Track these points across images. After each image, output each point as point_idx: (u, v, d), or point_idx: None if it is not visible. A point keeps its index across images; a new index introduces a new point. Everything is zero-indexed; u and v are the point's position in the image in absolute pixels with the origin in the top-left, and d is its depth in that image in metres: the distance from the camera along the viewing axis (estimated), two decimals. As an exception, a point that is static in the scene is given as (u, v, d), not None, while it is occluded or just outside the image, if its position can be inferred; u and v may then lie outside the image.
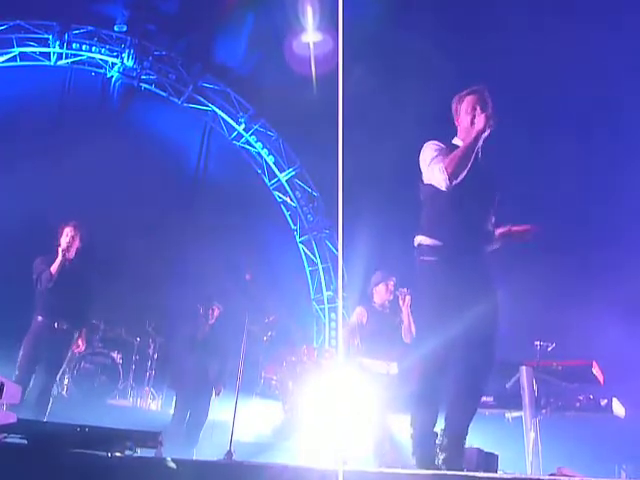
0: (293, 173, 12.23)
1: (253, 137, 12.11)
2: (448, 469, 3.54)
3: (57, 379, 6.71)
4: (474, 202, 3.80)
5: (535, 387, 5.27)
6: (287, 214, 12.55)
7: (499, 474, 4.15)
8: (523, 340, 5.67)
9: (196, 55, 11.46)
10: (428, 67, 8.57)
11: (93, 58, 11.04)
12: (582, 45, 7.80)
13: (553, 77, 8.28)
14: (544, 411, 5.29)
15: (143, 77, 11.31)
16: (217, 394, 7.40)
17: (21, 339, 6.10)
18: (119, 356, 8.77)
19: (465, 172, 3.67)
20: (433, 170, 3.74)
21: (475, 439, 3.93)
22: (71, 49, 10.79)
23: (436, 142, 3.89)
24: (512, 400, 5.41)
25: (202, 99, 11.79)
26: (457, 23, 8.79)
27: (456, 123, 3.99)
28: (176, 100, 11.67)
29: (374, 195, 9.21)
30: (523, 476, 4.27)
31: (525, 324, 6.54)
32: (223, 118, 11.98)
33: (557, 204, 8.26)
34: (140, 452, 3.31)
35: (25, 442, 3.19)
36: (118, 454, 3.06)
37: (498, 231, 3.98)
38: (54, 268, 6.13)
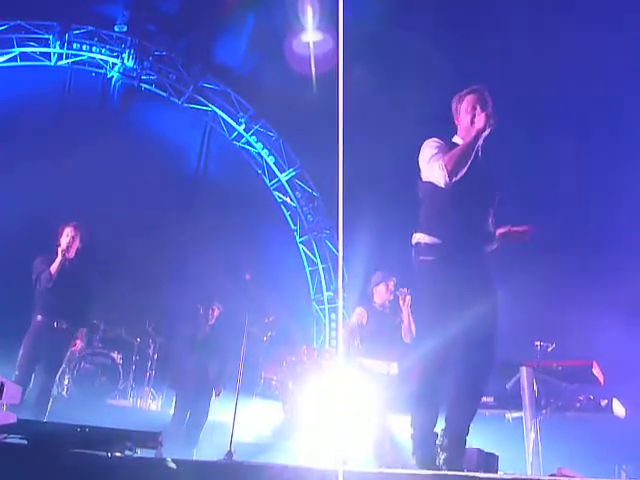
0: (293, 173, 12.23)
1: (253, 137, 12.11)
2: (449, 469, 3.54)
3: (57, 379, 6.72)
4: (473, 201, 3.80)
5: (535, 387, 5.27)
6: (287, 214, 12.55)
7: (499, 474, 4.15)
8: (523, 340, 5.67)
9: (196, 55, 11.46)
10: (428, 67, 8.57)
11: (93, 58, 11.04)
12: (582, 45, 7.81)
13: (553, 77, 8.28)
14: (544, 411, 5.29)
15: (143, 77, 11.31)
16: (217, 394, 7.40)
17: (21, 339, 6.11)
18: (119, 356, 8.78)
19: (465, 170, 3.67)
20: (432, 167, 3.73)
21: (475, 439, 3.92)
22: (71, 49, 10.79)
23: (436, 139, 3.89)
24: (512, 400, 5.41)
25: (202, 99, 11.79)
26: (457, 23, 8.79)
27: (456, 122, 3.99)
28: (176, 100, 11.67)
29: (374, 195, 9.21)
30: (523, 476, 4.27)
31: (525, 324, 6.54)
32: (223, 118, 11.98)
33: (557, 204, 8.26)
34: (140, 452, 3.30)
35: (25, 442, 3.19)
36: (118, 454, 3.06)
37: (498, 231, 3.98)
38: (54, 268, 6.14)
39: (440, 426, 3.72)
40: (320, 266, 12.36)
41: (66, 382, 8.36)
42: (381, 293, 6.45)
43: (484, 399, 4.90)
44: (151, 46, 11.24)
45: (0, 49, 10.30)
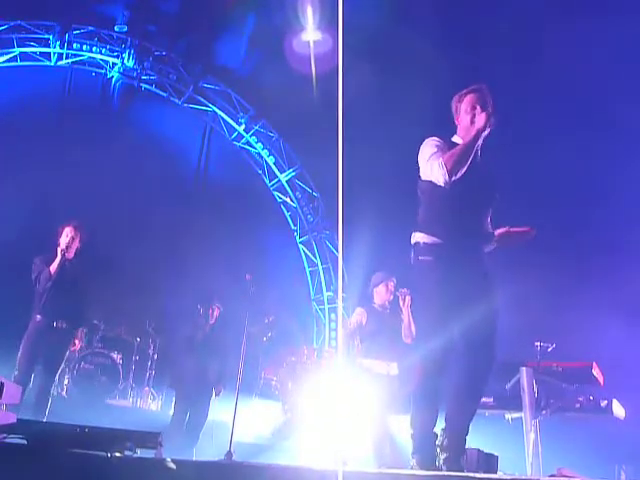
0: (293, 174, 12.23)
1: (253, 138, 12.11)
2: (449, 469, 3.54)
3: (56, 379, 6.71)
4: (473, 201, 3.79)
5: (535, 388, 5.27)
6: (287, 214, 12.55)
7: (499, 475, 4.15)
8: (523, 341, 5.67)
9: (196, 55, 11.46)
10: (429, 67, 8.57)
11: (93, 58, 11.04)
12: (582, 45, 7.81)
13: (553, 77, 8.28)
14: (544, 412, 5.28)
15: (143, 77, 11.31)
16: (217, 394, 7.40)
17: (20, 339, 6.11)
18: (119, 356, 8.78)
19: (464, 169, 3.67)
20: (432, 165, 3.72)
21: (475, 440, 3.92)
22: (71, 49, 10.79)
23: (436, 138, 3.88)
24: (512, 401, 5.41)
25: (202, 99, 11.79)
26: (457, 22, 8.79)
27: (456, 122, 3.99)
28: (176, 100, 11.67)
29: (374, 195, 9.20)
30: (523, 477, 4.27)
31: (525, 325, 6.54)
32: (223, 119, 11.98)
33: (557, 205, 8.26)
34: (140, 452, 3.30)
35: (24, 442, 3.19)
36: (118, 454, 3.05)
37: (497, 232, 3.98)
38: (53, 268, 6.14)
39: (440, 426, 3.72)
40: (320, 266, 12.36)
41: (66, 382, 8.37)
42: (381, 293, 6.45)
43: (484, 399, 4.90)
44: (151, 46, 11.24)
45: (0, 49, 10.30)
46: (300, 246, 12.52)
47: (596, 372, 5.32)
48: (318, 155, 9.29)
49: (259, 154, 12.25)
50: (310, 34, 10.29)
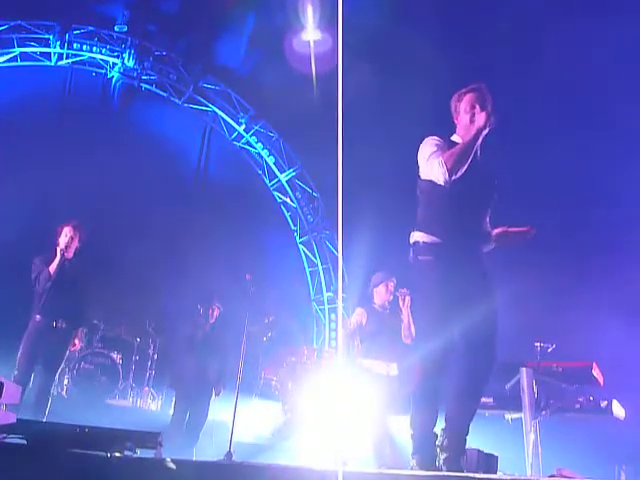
0: (293, 174, 12.23)
1: (253, 138, 12.11)
2: (449, 469, 3.54)
3: (56, 379, 6.71)
4: (472, 200, 3.79)
5: (535, 388, 5.27)
6: (287, 215, 12.55)
7: (499, 475, 4.15)
8: (523, 341, 5.67)
9: (197, 55, 11.47)
10: (429, 66, 8.57)
11: (94, 58, 11.04)
12: (582, 45, 7.81)
13: (553, 77, 8.28)
14: (544, 412, 5.28)
15: (144, 77, 11.31)
16: (217, 394, 7.40)
17: (20, 339, 6.11)
18: (119, 356, 8.78)
19: (464, 168, 3.66)
20: (432, 164, 3.72)
21: (475, 440, 3.92)
22: (72, 49, 10.79)
23: (436, 137, 3.88)
24: (512, 401, 5.41)
25: (203, 99, 11.79)
26: (457, 22, 8.79)
27: (455, 121, 3.98)
28: (176, 100, 11.68)
29: (374, 195, 9.20)
30: (523, 477, 4.27)
31: (525, 325, 6.54)
32: (223, 119, 11.98)
33: (557, 205, 8.26)
34: (140, 453, 3.30)
35: (24, 442, 3.19)
36: (117, 454, 3.06)
37: (495, 231, 3.98)
38: (52, 268, 6.14)
39: (440, 426, 3.72)
40: (320, 266, 12.36)
41: (66, 382, 8.37)
42: (381, 294, 6.44)
43: (484, 400, 4.90)
44: (151, 46, 11.24)
45: (0, 49, 10.30)
46: (300, 246, 12.52)
47: (596, 372, 5.32)
48: (318, 155, 9.29)
49: (259, 154, 12.25)
50: (310, 34, 10.29)
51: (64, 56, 10.80)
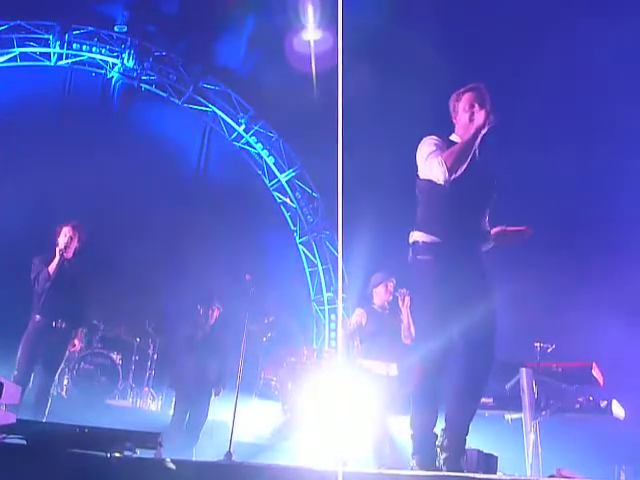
0: (293, 174, 12.23)
1: (253, 138, 12.11)
2: (448, 470, 3.54)
3: (56, 379, 6.71)
4: (471, 200, 3.79)
5: (535, 388, 5.26)
6: (287, 215, 12.55)
7: (498, 475, 4.15)
8: (523, 341, 5.67)
9: (196, 56, 11.47)
10: (429, 67, 8.57)
11: (93, 58, 11.05)
12: (582, 45, 7.82)
13: (553, 77, 8.29)
14: (544, 412, 5.28)
15: (143, 77, 11.32)
16: (217, 394, 7.39)
17: (20, 339, 6.10)
18: (119, 357, 8.78)
19: (464, 167, 3.67)
20: (431, 163, 3.72)
21: (475, 440, 3.92)
22: (71, 49, 10.80)
23: (434, 137, 3.88)
24: (512, 401, 5.41)
25: (202, 100, 11.80)
26: (458, 23, 8.79)
27: (454, 120, 3.98)
28: (176, 101, 11.68)
29: (374, 196, 9.21)
30: (522, 477, 4.27)
31: (525, 325, 6.54)
32: (223, 119, 11.99)
33: (557, 206, 8.26)
34: (139, 453, 3.31)
35: (24, 442, 3.19)
36: (117, 455, 3.06)
37: (493, 230, 3.98)
38: (52, 268, 6.14)
39: (440, 426, 3.72)
40: (320, 267, 12.36)
41: (65, 382, 8.37)
42: (380, 294, 6.44)
43: (483, 400, 4.90)
44: (151, 46, 11.25)
45: (0, 49, 10.30)
46: (300, 246, 12.52)
47: (596, 372, 5.32)
48: (318, 155, 9.30)
49: (259, 154, 12.25)
50: (310, 33, 10.29)
51: (64, 56, 10.80)
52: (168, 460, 2.78)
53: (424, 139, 3.89)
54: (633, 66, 7.74)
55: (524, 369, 5.30)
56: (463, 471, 3.58)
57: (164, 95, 11.63)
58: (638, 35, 7.40)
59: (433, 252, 3.73)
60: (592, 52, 7.80)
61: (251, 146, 12.21)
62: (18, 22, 10.29)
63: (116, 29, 10.96)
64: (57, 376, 6.64)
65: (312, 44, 10.27)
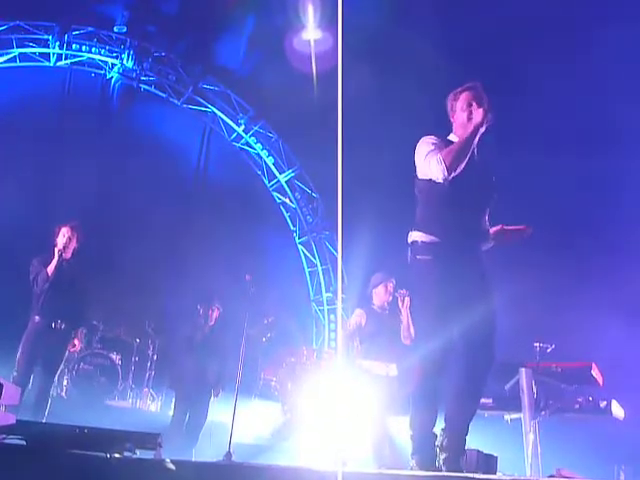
0: (293, 174, 12.23)
1: (253, 138, 12.11)
2: (448, 469, 3.54)
3: (56, 379, 6.71)
4: (470, 199, 3.78)
5: (534, 389, 5.27)
6: (287, 215, 12.55)
7: (498, 476, 4.15)
8: (522, 342, 5.67)
9: (196, 56, 11.47)
10: (429, 67, 8.57)
11: (93, 59, 11.04)
12: (582, 44, 7.82)
13: (553, 77, 8.29)
14: (543, 413, 5.28)
15: (143, 78, 11.31)
16: (216, 395, 7.39)
17: (19, 340, 6.10)
18: (118, 357, 8.77)
19: (463, 165, 3.67)
20: (430, 162, 3.72)
21: (474, 440, 3.92)
22: (71, 50, 10.79)
23: (432, 137, 3.88)
24: (511, 402, 5.41)
25: (202, 100, 11.79)
26: (458, 23, 8.79)
27: (451, 120, 3.99)
28: (176, 101, 11.67)
29: (374, 196, 9.20)
30: (522, 478, 4.27)
31: (525, 325, 6.54)
32: (223, 119, 11.98)
33: (557, 205, 8.26)
34: (139, 453, 3.31)
35: (24, 443, 3.19)
36: (117, 455, 3.06)
37: (492, 229, 3.98)
38: (50, 269, 6.14)
39: (440, 426, 3.72)
40: (319, 267, 12.35)
41: (65, 383, 8.37)
42: (380, 294, 6.44)
43: (483, 400, 4.90)
44: (151, 47, 11.24)
45: (-1, 50, 10.31)
46: (299, 247, 12.52)
47: (595, 373, 5.32)
48: (317, 156, 9.30)
49: (258, 155, 12.25)
50: (310, 33, 10.28)
51: (63, 57, 10.79)
52: (168, 461, 2.78)
53: (422, 139, 3.90)
54: (633, 66, 7.74)
55: (524, 369, 5.30)
56: (463, 471, 3.58)
57: (163, 96, 11.62)
58: (638, 35, 7.40)
59: (432, 252, 3.72)
60: (592, 52, 7.81)
61: (251, 146, 12.21)
62: (17, 23, 10.28)
63: (115, 29, 10.95)
64: (57, 377, 6.64)
65: (312, 44, 10.26)
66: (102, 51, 10.97)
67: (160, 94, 11.61)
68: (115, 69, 11.13)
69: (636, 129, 7.62)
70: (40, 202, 9.15)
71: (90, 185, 9.50)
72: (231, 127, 12.04)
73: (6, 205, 8.62)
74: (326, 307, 12.31)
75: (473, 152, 3.77)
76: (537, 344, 5.43)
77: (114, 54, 11.04)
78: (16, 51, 10.40)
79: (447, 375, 3.72)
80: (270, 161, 12.24)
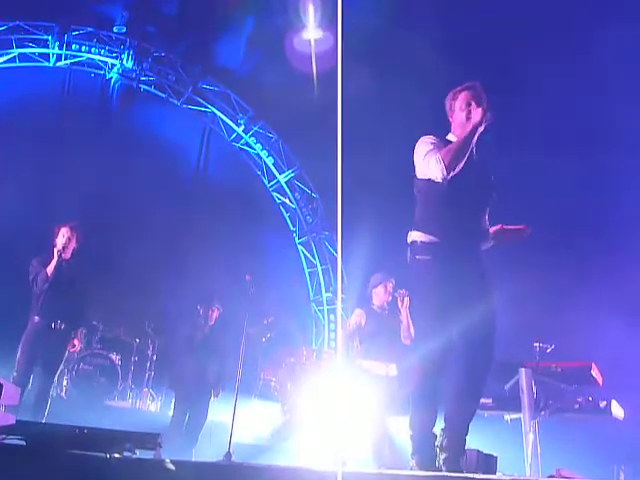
0: (292, 174, 12.23)
1: (252, 139, 12.11)
2: (448, 469, 3.54)
3: (55, 379, 6.70)
4: (469, 199, 3.78)
5: (534, 389, 5.27)
6: (286, 215, 12.55)
7: (498, 476, 4.15)
8: (522, 342, 5.67)
9: (195, 56, 11.47)
10: (430, 67, 8.57)
11: (92, 59, 11.04)
12: (582, 44, 7.82)
13: (553, 77, 8.29)
14: (543, 413, 5.29)
15: (142, 78, 11.31)
16: (216, 395, 7.39)
17: (19, 340, 6.10)
18: (118, 357, 8.77)
19: (461, 165, 3.66)
20: (429, 162, 3.71)
21: (474, 440, 3.92)
22: (70, 50, 10.79)
23: (431, 136, 3.88)
24: (511, 402, 5.41)
25: (201, 100, 11.79)
26: (458, 23, 8.79)
27: (450, 119, 3.98)
28: (175, 101, 11.67)
29: (374, 197, 9.21)
30: (522, 478, 4.27)
31: (524, 326, 6.54)
32: (222, 119, 11.98)
33: (557, 205, 8.26)
34: (139, 453, 3.31)
35: (23, 443, 3.19)
36: (117, 455, 3.06)
37: (492, 229, 3.97)
38: (50, 269, 6.13)
39: (439, 426, 3.72)
40: (319, 267, 12.35)
41: (65, 383, 8.36)
42: (380, 295, 6.44)
43: (483, 400, 4.90)
44: (150, 47, 11.24)
45: (-1, 50, 10.31)
46: (299, 247, 12.52)
47: (595, 373, 5.32)
48: (317, 156, 9.30)
49: (258, 155, 12.25)
50: (310, 32, 10.28)
51: (63, 57, 10.79)
52: (167, 461, 2.78)
53: (421, 139, 3.90)
54: (633, 66, 7.75)
55: (523, 369, 5.30)
56: (462, 471, 3.58)
57: (163, 96, 11.62)
58: (638, 35, 7.40)
59: (432, 252, 3.72)
60: (592, 52, 7.81)
61: (250, 147, 12.21)
62: (17, 23, 10.28)
63: (115, 30, 10.95)
64: (56, 377, 6.63)
65: (312, 44, 10.26)
66: (102, 51, 10.97)
67: (160, 94, 11.61)
68: (115, 69, 11.13)
69: (636, 129, 7.62)
70: (40, 202, 9.15)
71: (90, 185, 9.50)
72: (231, 127, 12.04)
73: (6, 205, 8.61)
74: (326, 307, 12.31)
75: (472, 152, 3.77)
76: (537, 344, 5.43)
77: (114, 54, 11.04)
78: (16, 51, 10.41)
79: (447, 375, 3.71)
80: (270, 161, 12.24)
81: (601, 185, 8.23)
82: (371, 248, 9.01)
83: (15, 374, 5.94)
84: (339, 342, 9.25)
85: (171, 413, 7.53)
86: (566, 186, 8.23)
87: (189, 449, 7.04)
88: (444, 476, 3.37)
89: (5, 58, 10.38)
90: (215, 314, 7.51)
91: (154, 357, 9.43)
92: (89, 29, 10.88)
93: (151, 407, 9.23)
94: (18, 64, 10.54)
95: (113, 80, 11.25)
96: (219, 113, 11.90)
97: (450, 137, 3.92)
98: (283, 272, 11.59)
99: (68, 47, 10.74)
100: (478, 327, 3.63)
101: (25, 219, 8.64)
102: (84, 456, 2.94)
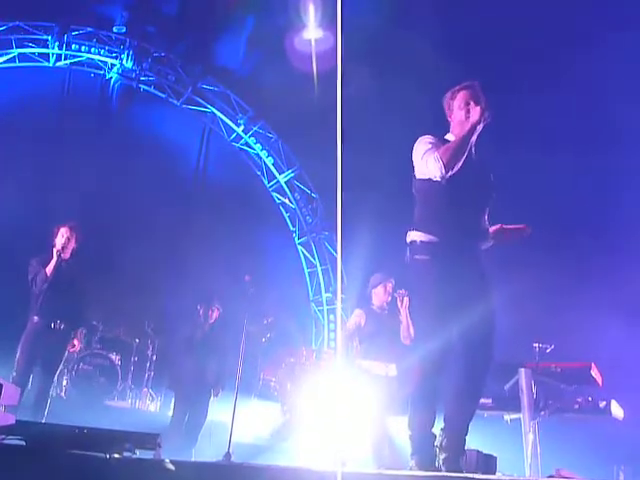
0: (292, 175, 12.23)
1: (252, 139, 12.11)
2: (448, 470, 3.53)
3: (55, 380, 6.70)
4: (468, 198, 3.78)
5: (534, 389, 5.27)
6: (286, 215, 12.55)
7: (498, 476, 4.15)
8: (522, 342, 5.67)
9: (195, 56, 11.47)
10: (430, 67, 8.57)
11: (92, 59, 11.04)
12: (582, 44, 7.82)
13: (552, 76, 8.29)
14: (543, 413, 5.29)
15: (142, 78, 11.31)
16: (216, 395, 7.39)
17: (18, 340, 6.10)
18: (117, 357, 8.77)
19: (460, 163, 3.66)
20: (427, 160, 3.71)
21: (474, 441, 3.92)
22: (70, 50, 10.80)
23: (429, 136, 3.88)
24: (511, 402, 5.41)
25: (201, 100, 11.80)
26: (458, 23, 8.79)
27: (449, 119, 3.98)
28: (175, 102, 11.67)
29: (373, 197, 9.21)
30: (522, 478, 4.28)
31: (524, 326, 6.54)
32: (222, 120, 11.99)
33: (556, 205, 8.26)
34: (139, 453, 3.30)
35: (23, 443, 3.19)
36: (116, 455, 3.06)
37: (492, 229, 3.97)
38: (49, 269, 6.13)
39: (439, 426, 3.71)
40: (319, 267, 12.35)
41: (64, 383, 8.37)
42: (379, 295, 6.44)
43: (483, 400, 4.90)
44: (150, 47, 11.24)
45: (-1, 50, 10.31)
46: (299, 247, 12.52)
47: (595, 373, 5.32)
48: (317, 156, 9.30)
49: (258, 155, 12.25)
50: (311, 32, 10.28)
51: (62, 57, 10.79)
52: (167, 461, 2.78)
53: (419, 139, 3.90)
54: (633, 66, 7.75)
55: (523, 369, 5.31)
56: (462, 471, 3.58)
57: (163, 96, 11.62)
58: (638, 35, 7.40)
59: (431, 252, 3.72)
60: (592, 52, 7.81)
61: (250, 147, 12.21)
62: (17, 23, 10.28)
63: (115, 30, 10.95)
64: (56, 377, 6.63)
65: (312, 43, 10.26)
66: (101, 51, 10.98)
67: (159, 94, 11.62)
68: (114, 69, 11.14)
69: (636, 129, 7.62)
70: (40, 202, 9.15)
71: (90, 185, 9.50)
72: (230, 127, 12.04)
73: (6, 205, 8.61)
74: (325, 307, 12.31)
75: (471, 151, 3.77)
76: (536, 344, 5.43)
77: (113, 54, 11.04)
78: (15, 51, 10.41)
79: (446, 375, 3.71)
80: (270, 161, 12.24)
81: (601, 185, 8.23)
82: (371, 248, 9.01)
83: (15, 374, 5.94)
84: (339, 342, 9.25)
85: (171, 413, 7.53)
86: (566, 186, 8.23)
87: (189, 449, 7.04)
88: (444, 476, 3.37)
89: (5, 58, 10.38)
90: (215, 314, 7.51)
91: (154, 357, 9.43)
92: (89, 29, 10.88)
93: (151, 407, 9.23)
94: (18, 64, 10.54)
95: (113, 80, 11.25)
96: (219, 113, 11.90)
97: (449, 136, 3.92)
98: (283, 272, 11.59)
99: (68, 47, 10.74)
100: (478, 327, 3.63)
101: (25, 219, 8.63)
102: (84, 456, 2.94)
